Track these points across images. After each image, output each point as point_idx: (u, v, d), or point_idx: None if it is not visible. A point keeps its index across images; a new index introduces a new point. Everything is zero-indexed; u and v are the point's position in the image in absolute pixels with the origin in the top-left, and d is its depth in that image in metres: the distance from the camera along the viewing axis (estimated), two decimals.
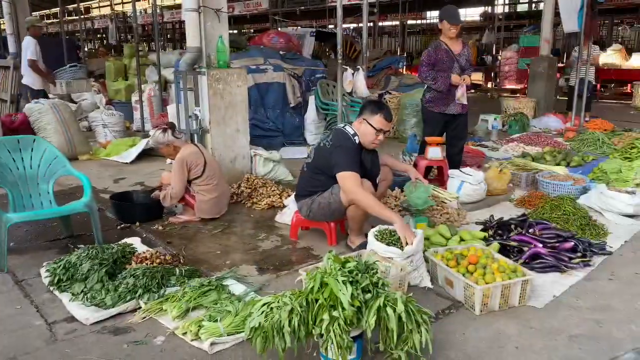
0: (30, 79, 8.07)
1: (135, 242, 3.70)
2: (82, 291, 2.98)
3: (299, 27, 12.92)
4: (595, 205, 4.63)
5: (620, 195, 4.51)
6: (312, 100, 7.69)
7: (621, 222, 4.32)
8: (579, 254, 3.46)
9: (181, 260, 3.37)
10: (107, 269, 3.11)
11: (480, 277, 2.92)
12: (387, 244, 3.13)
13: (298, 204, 3.73)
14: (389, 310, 2.17)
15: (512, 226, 3.73)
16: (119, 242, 3.55)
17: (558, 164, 6.13)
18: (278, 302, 2.25)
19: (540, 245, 3.49)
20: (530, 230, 3.64)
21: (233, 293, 2.95)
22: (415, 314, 2.27)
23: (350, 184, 3.33)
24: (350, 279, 2.22)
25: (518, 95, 10.92)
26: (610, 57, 14.46)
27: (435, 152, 5.01)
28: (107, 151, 6.97)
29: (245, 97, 5.22)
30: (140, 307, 2.84)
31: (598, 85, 14.71)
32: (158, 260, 3.28)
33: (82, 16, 24.40)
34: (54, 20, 27.34)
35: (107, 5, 26.48)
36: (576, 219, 4.01)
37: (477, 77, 19.35)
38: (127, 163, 6.59)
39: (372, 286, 2.24)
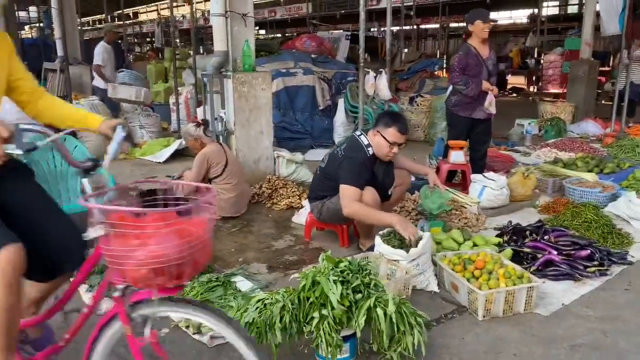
0: (98, 82, 8.97)
1: None
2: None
3: (333, 31, 13.01)
4: (623, 214, 4.48)
5: None
6: (341, 102, 7.74)
7: None
8: (595, 263, 3.37)
9: None
10: None
11: (484, 282, 2.90)
12: (394, 247, 3.15)
13: (310, 205, 3.78)
14: (379, 311, 2.20)
15: (527, 232, 3.66)
16: None
17: (590, 171, 5.95)
18: (272, 298, 2.31)
19: (555, 252, 3.42)
20: (546, 237, 3.57)
21: (240, 289, 3.04)
22: (408, 316, 2.29)
23: (347, 199, 3.35)
24: (342, 279, 2.26)
25: (557, 99, 10.60)
26: None
27: (457, 156, 4.96)
28: (142, 151, 7.23)
29: (269, 100, 5.32)
30: None
31: None
32: None
33: (131, 21, 25.36)
34: (100, 26, 28.45)
35: (154, 10, 27.35)
36: (598, 227, 3.90)
37: (520, 80, 19.00)
38: (160, 162, 6.82)
39: (363, 286, 2.27)
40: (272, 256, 3.68)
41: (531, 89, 17.31)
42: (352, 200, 3.34)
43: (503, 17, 28.95)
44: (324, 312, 2.17)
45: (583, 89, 9.69)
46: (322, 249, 3.81)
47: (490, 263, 3.08)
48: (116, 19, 28.00)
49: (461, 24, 30.74)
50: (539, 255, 3.44)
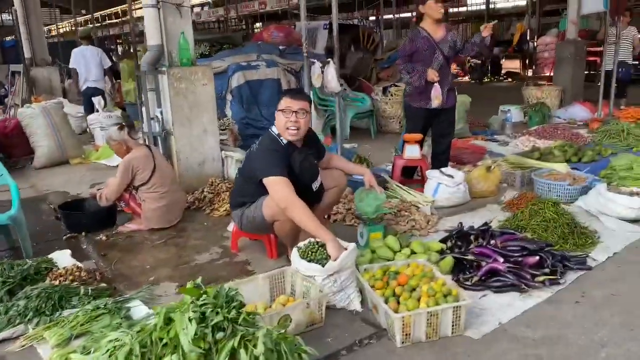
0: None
1: (63, 255, 3.48)
2: None
3: (311, 22, 12.54)
4: (593, 208, 4.06)
5: (621, 197, 3.92)
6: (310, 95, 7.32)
7: (619, 229, 3.74)
8: (545, 271, 2.96)
9: (97, 277, 3.12)
10: (11, 287, 2.90)
11: (405, 301, 2.51)
12: (309, 261, 2.76)
13: (232, 214, 3.40)
14: (243, 353, 1.82)
15: (472, 237, 3.26)
16: (41, 257, 3.34)
17: (568, 160, 5.52)
18: (121, 340, 1.93)
19: (501, 259, 3.01)
20: (492, 242, 3.16)
21: (131, 317, 2.67)
22: (287, 355, 1.90)
23: (281, 192, 2.93)
24: (202, 315, 1.87)
25: (544, 83, 10.08)
26: None
27: (412, 151, 4.55)
28: (97, 154, 6.88)
29: (212, 96, 4.93)
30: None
31: None
32: (71, 278, 3.05)
33: (120, 19, 25.03)
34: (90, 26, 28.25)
35: (140, 8, 27.08)
36: (557, 227, 3.48)
37: (515, 64, 18.41)
38: (115, 167, 6.46)
39: (227, 322, 1.89)
40: (189, 273, 3.30)
41: (528, 73, 16.70)
42: (288, 192, 2.90)
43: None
44: (174, 357, 1.79)
45: (570, 71, 9.18)
46: (247, 262, 3.43)
47: (417, 277, 2.69)
48: (107, 17, 27.77)
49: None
50: (484, 263, 3.04)
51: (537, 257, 2.98)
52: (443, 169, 4.43)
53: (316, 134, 3.47)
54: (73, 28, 23.40)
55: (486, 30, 4.42)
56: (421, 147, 4.82)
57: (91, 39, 9.14)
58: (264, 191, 3.08)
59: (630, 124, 6.74)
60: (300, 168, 3.12)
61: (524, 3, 23.03)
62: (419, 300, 2.50)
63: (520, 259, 3.02)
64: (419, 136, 4.59)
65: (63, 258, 3.44)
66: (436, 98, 4.42)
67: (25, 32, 9.91)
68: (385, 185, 4.57)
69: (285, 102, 3.09)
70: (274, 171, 2.96)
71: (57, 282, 3.00)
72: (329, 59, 4.85)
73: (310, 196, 3.22)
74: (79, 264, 3.32)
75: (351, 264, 2.80)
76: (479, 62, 17.00)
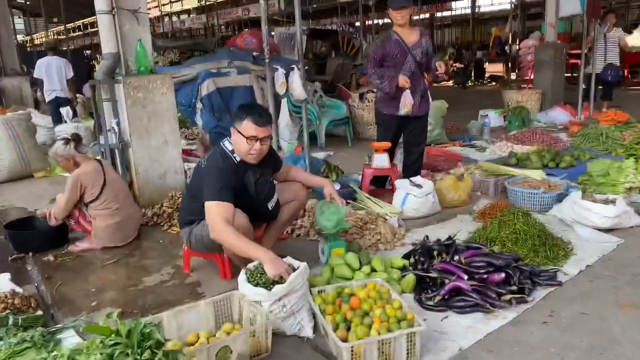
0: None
1: (2, 280, 3.23)
2: None
3: (290, 27, 12.40)
4: (568, 217, 3.89)
5: (596, 205, 3.75)
6: (284, 103, 7.13)
7: (594, 239, 3.57)
8: (512, 288, 2.77)
9: (32, 305, 2.89)
10: None
11: (356, 327, 2.31)
12: (256, 284, 2.56)
13: (181, 232, 3.18)
14: None
15: (435, 252, 3.06)
16: None
17: (545, 165, 5.37)
18: None
19: (466, 277, 2.82)
20: (456, 258, 2.97)
21: (60, 349, 2.44)
22: None
23: (213, 219, 2.73)
24: (110, 357, 1.66)
25: (525, 86, 9.96)
26: (638, 39, 13.21)
27: (381, 160, 4.36)
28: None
29: (172, 105, 4.71)
30: None
31: (625, 72, 13.54)
32: (3, 306, 2.81)
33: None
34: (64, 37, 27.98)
35: None
36: (527, 239, 3.30)
37: (498, 68, 18.36)
38: None
39: None
40: (135, 297, 3.08)
41: (512, 76, 16.63)
42: (220, 220, 2.70)
43: (485, 3, 28.40)
44: None
45: (550, 74, 9.05)
46: (198, 284, 3.21)
47: (371, 300, 2.49)
48: (89, 26, 27.45)
49: (446, 13, 30.18)
50: (447, 281, 2.84)
51: (503, 274, 2.79)
52: (412, 179, 4.24)
53: (272, 147, 3.26)
54: (49, 37, 23.10)
55: (440, 68, 4.38)
56: (392, 155, 4.64)
57: (57, 50, 8.92)
58: None
59: (610, 127, 6.61)
60: (255, 187, 2.93)
61: (508, 7, 23.06)
62: (370, 326, 2.30)
63: (485, 275, 2.83)
64: (387, 144, 4.40)
65: (2, 282, 3.20)
66: (405, 106, 4.24)
67: None
68: (354, 195, 4.38)
69: (249, 129, 2.82)
70: (220, 197, 2.75)
71: None
72: (293, 66, 4.65)
73: (265, 216, 3.03)
74: (17, 289, 3.08)
75: (302, 286, 2.59)
76: (462, 66, 16.92)
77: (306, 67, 12.75)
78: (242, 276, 2.63)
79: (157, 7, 25.83)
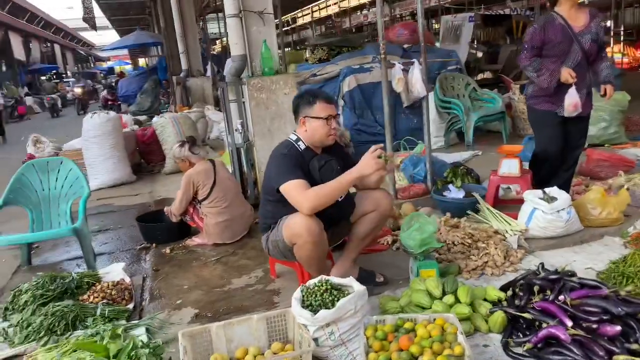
0: None
1: (116, 269, 3.55)
2: (18, 323, 2.94)
3: (457, 15, 11.55)
4: None
5: None
6: (431, 97, 6.69)
7: None
8: (633, 347, 2.11)
9: (126, 297, 3.10)
10: (47, 300, 3.02)
11: None
12: (308, 305, 2.36)
13: (262, 239, 3.10)
14: None
15: (536, 288, 2.49)
16: (88, 271, 3.45)
17: None
18: None
19: (570, 323, 2.24)
20: (560, 297, 2.38)
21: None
22: None
23: (296, 198, 2.65)
24: None
25: None
26: None
27: (509, 166, 3.76)
28: (221, 159, 7.15)
29: None
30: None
31: None
32: (102, 295, 3.08)
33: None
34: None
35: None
36: None
37: None
38: None
39: None
40: (216, 299, 3.11)
41: None
42: (300, 193, 2.63)
43: None
44: None
45: None
46: (277, 291, 3.12)
47: (428, 341, 2.11)
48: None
49: None
50: (545, 325, 2.29)
51: (619, 327, 2.15)
52: (547, 189, 3.55)
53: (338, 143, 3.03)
54: None
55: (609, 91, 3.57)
56: (558, 166, 3.80)
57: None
58: (283, 210, 2.77)
59: None
60: (321, 174, 2.79)
61: None
62: None
63: (596, 325, 2.21)
64: (518, 148, 3.77)
65: (115, 270, 3.52)
66: (571, 105, 3.48)
67: (182, 45, 10.87)
68: (476, 206, 3.86)
69: (324, 110, 2.81)
70: (293, 176, 2.67)
71: (91, 299, 3.05)
72: (414, 60, 4.26)
73: (334, 209, 2.77)
74: (126, 279, 3.36)
75: (356, 313, 2.32)
76: None
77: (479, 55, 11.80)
78: (297, 294, 2.46)
79: (336, 3, 26.56)
